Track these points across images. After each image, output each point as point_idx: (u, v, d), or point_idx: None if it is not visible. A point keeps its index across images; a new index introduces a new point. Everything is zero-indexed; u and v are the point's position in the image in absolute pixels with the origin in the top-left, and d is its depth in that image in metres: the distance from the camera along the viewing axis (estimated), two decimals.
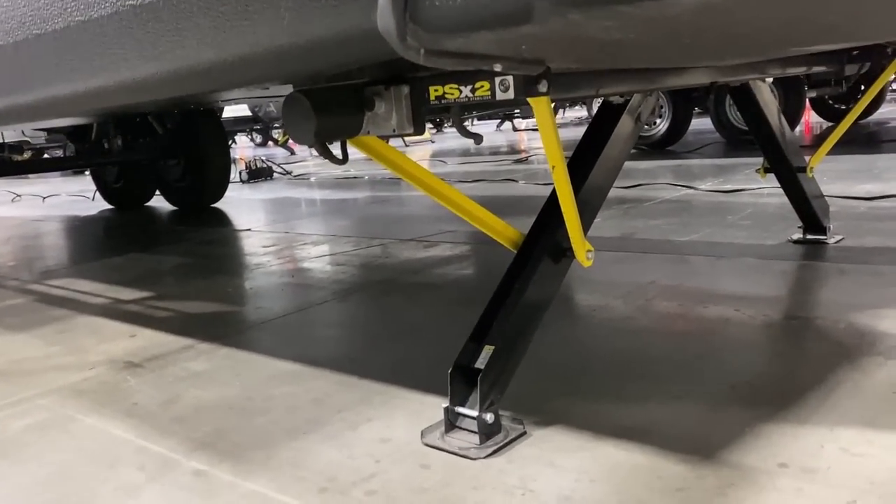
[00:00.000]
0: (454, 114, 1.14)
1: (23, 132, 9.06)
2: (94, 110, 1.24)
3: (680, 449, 1.20)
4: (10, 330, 2.39)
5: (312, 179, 7.42)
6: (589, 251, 1.38)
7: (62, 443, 1.48)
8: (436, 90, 1.07)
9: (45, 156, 9.21)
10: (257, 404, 1.60)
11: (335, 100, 1.07)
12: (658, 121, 6.70)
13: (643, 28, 0.62)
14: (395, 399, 1.55)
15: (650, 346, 1.73)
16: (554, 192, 1.48)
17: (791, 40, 0.93)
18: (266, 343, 2.04)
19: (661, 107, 6.63)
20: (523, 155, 7.97)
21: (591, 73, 1.39)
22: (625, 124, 1.54)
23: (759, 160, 2.51)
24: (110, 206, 6.18)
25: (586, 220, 1.47)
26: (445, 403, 1.35)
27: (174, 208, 5.72)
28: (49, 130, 7.15)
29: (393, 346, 1.93)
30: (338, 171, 8.25)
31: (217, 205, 5.60)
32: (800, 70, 2.35)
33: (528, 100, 1.01)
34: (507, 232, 1.47)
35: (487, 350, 1.34)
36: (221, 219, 5.01)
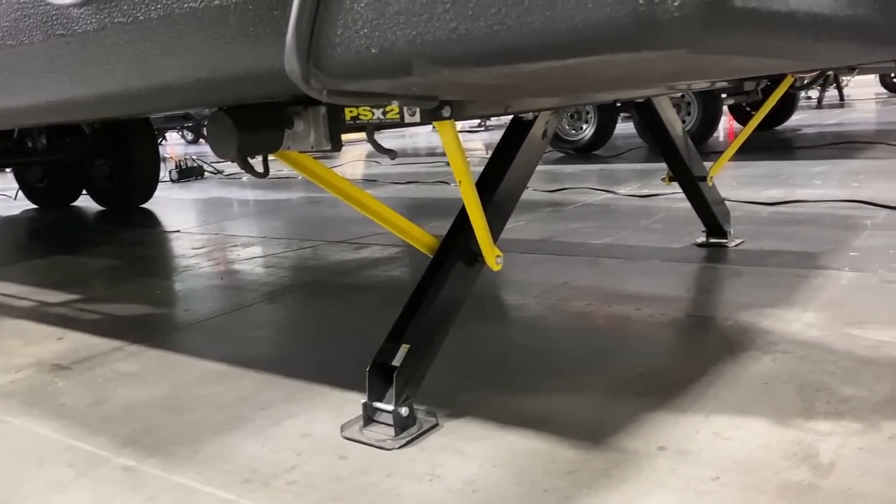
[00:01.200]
0: (369, 132, 1.24)
1: None
2: (23, 124, 1.29)
3: (574, 436, 1.34)
4: None
5: (244, 179, 7.39)
6: (498, 256, 1.50)
7: None
8: (351, 112, 1.16)
9: None
10: (185, 403, 1.66)
11: (256, 118, 1.15)
12: (584, 126, 6.92)
13: (507, 78, 0.73)
14: (318, 396, 1.64)
15: (559, 343, 1.86)
16: None
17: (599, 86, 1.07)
18: (195, 344, 2.10)
19: (588, 112, 6.86)
20: None
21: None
22: (533, 139, 1.67)
23: None
24: (34, 206, 6.04)
25: (497, 228, 1.59)
26: (362, 399, 1.45)
27: (102, 208, 5.63)
28: None
29: (319, 346, 2.02)
30: (270, 169, 8.20)
31: (146, 205, 5.55)
32: (702, 87, 2.54)
33: (434, 123, 1.12)
34: (423, 238, 1.58)
35: (403, 349, 1.44)
36: (150, 219, 4.97)
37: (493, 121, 16.60)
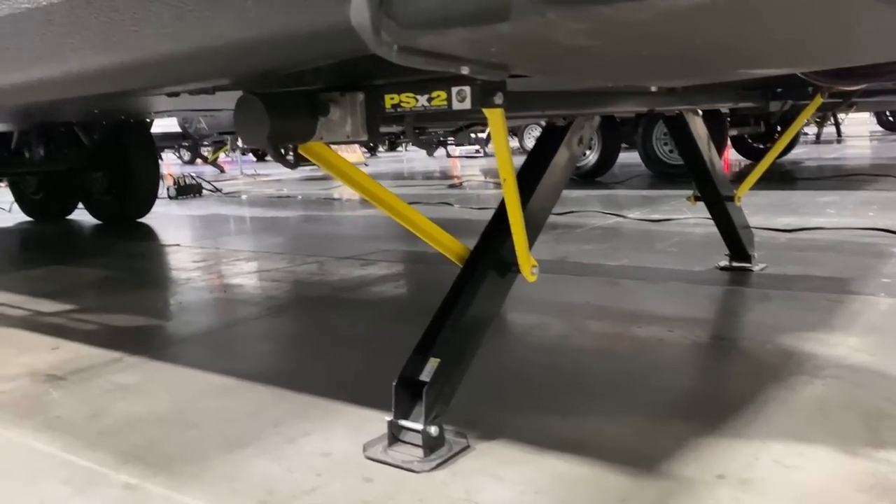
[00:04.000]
0: (408, 123, 1.14)
1: None
2: (32, 104, 1.18)
3: (621, 461, 1.22)
4: None
5: (244, 197, 7.29)
6: (534, 266, 1.40)
7: None
8: (392, 98, 1.07)
9: None
10: (189, 417, 1.54)
11: (289, 103, 1.06)
12: (588, 152, 6.88)
13: (611, 34, 0.63)
14: (334, 413, 1.52)
15: (587, 363, 1.75)
16: (501, 207, 1.50)
17: (741, 60, 0.97)
18: (198, 356, 1.98)
19: (592, 139, 6.83)
20: (457, 180, 8.04)
21: (540, 93, 1.42)
22: (568, 145, 1.58)
23: (685, 193, 2.60)
24: (29, 218, 5.90)
25: (531, 236, 1.49)
26: (386, 417, 1.33)
27: (98, 222, 5.51)
28: None
29: (329, 361, 1.90)
30: (270, 189, 8.14)
31: (144, 220, 5.43)
32: (728, 104, 2.47)
33: (484, 111, 1.03)
34: (453, 246, 1.48)
35: (433, 363, 1.33)
36: (148, 233, 4.85)
37: (491, 148, 16.60)
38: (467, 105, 1.01)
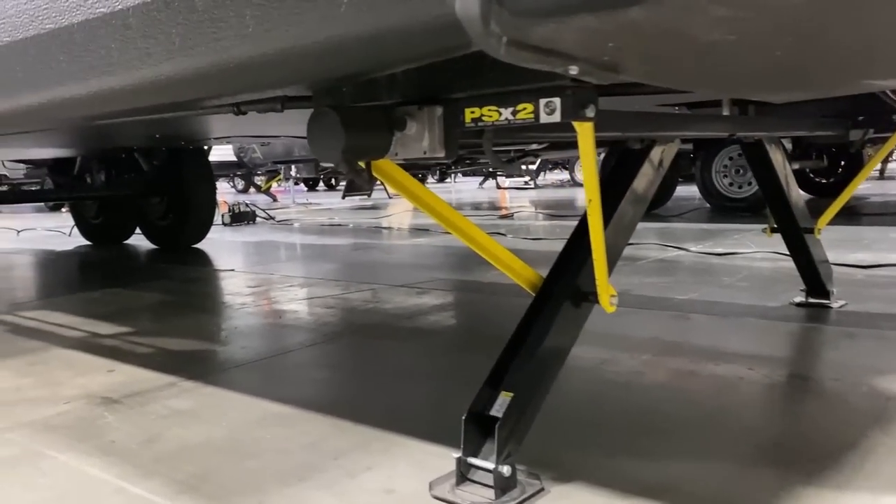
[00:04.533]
0: (486, 140, 1.07)
1: (2, 164, 8.92)
2: (99, 115, 1.15)
3: None
4: None
5: (296, 225, 7.34)
6: (613, 296, 1.31)
7: (32, 481, 1.35)
8: (472, 112, 1.00)
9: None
10: (246, 446, 1.48)
11: (364, 118, 1.00)
12: None
13: (755, 24, 0.56)
14: (396, 446, 1.44)
15: (663, 402, 1.64)
16: (575, 232, 1.42)
17: (883, 64, 0.88)
18: (254, 383, 1.92)
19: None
20: (507, 211, 7.97)
21: (620, 113, 1.35)
22: (649, 169, 1.49)
23: (747, 227, 2.49)
24: (88, 243, 6.02)
25: (609, 265, 1.40)
26: (452, 453, 1.25)
27: (154, 247, 5.58)
28: (30, 163, 7.03)
29: (389, 391, 1.83)
30: (321, 218, 8.19)
31: (199, 245, 5.48)
32: (808, 132, 2.35)
33: (574, 125, 0.95)
34: (525, 273, 1.40)
35: (504, 397, 1.25)
36: (203, 259, 4.89)
37: (542, 179, 16.53)
38: (556, 118, 0.94)
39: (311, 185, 17.59)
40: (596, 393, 1.75)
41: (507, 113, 0.98)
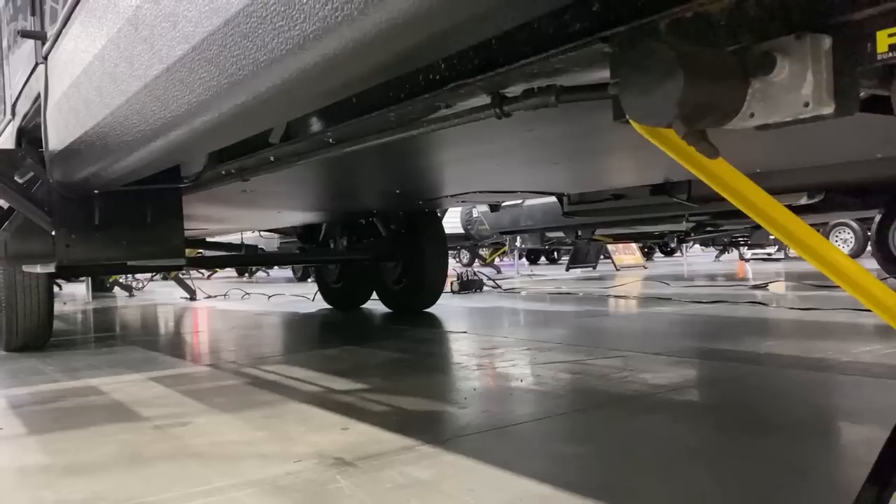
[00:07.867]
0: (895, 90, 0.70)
1: (259, 235, 9.79)
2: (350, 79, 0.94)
3: None
4: (218, 410, 2.18)
5: (523, 293, 7.12)
6: None
7: None
8: (892, 36, 0.64)
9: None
10: None
11: (709, 58, 0.68)
12: None
13: None
14: None
15: None
16: None
17: None
18: (501, 453, 1.62)
19: None
20: (761, 282, 7.12)
21: None
22: None
23: None
24: (329, 306, 6.23)
25: None
26: None
27: (388, 310, 5.62)
28: (282, 232, 7.57)
29: (668, 476, 1.43)
30: (547, 287, 7.92)
31: (429, 310, 5.42)
32: None
33: None
34: None
35: None
36: (435, 321, 4.78)
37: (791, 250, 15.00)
38: None
39: (533, 259, 17.51)
40: None
41: None
